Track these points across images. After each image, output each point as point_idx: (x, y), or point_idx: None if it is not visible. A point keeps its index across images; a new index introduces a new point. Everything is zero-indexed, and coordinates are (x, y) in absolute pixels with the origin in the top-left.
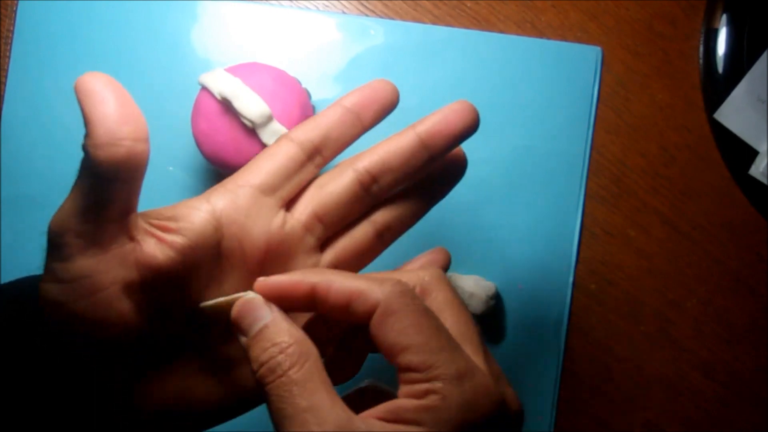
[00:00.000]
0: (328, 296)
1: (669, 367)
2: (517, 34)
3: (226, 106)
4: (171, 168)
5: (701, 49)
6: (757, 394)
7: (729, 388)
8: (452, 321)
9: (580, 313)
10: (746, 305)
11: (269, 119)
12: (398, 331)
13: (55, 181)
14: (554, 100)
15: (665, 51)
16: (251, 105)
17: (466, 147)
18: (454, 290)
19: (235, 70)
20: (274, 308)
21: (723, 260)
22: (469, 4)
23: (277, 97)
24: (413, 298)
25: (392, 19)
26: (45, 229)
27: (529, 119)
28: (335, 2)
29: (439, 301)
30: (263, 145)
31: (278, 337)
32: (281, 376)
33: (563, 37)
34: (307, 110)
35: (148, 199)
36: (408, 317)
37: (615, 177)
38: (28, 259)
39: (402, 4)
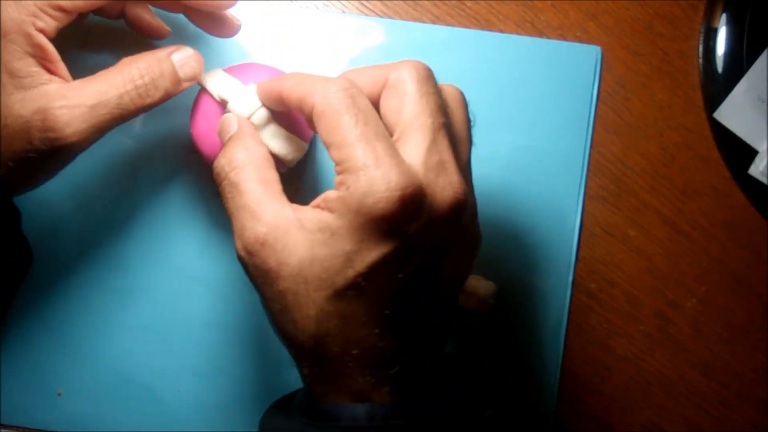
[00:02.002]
0: (289, 100)
1: (669, 366)
2: (517, 33)
3: (225, 106)
4: (170, 167)
5: (701, 48)
6: (757, 394)
7: (729, 388)
8: (406, 111)
9: (579, 313)
10: (746, 305)
11: (268, 120)
12: (325, 131)
13: (54, 181)
14: (554, 99)
15: (665, 51)
16: (249, 106)
17: None
18: (425, 76)
19: (234, 71)
20: (243, 124)
21: (723, 260)
22: (468, 3)
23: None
24: (345, 97)
25: (392, 18)
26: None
27: (529, 118)
28: (335, 2)
29: (401, 93)
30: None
31: (231, 148)
32: (223, 179)
33: (563, 37)
34: None
35: (149, 199)
36: (333, 117)
37: (615, 176)
38: None
39: (402, 3)
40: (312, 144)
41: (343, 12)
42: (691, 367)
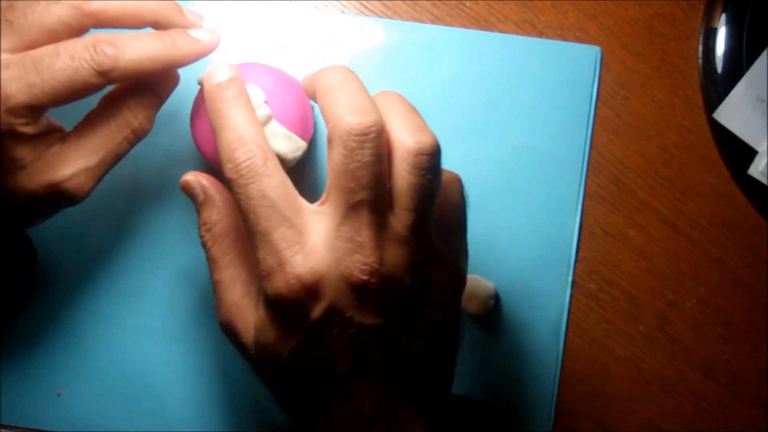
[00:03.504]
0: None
1: (668, 367)
2: (517, 33)
3: None
4: (170, 167)
5: (700, 48)
6: (757, 394)
7: (729, 388)
8: (330, 181)
9: (579, 313)
10: (746, 305)
11: (268, 119)
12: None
13: None
14: (553, 99)
15: (664, 51)
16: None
17: (466, 146)
18: (353, 147)
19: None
20: (207, 187)
21: (723, 260)
22: (468, 3)
23: (276, 97)
24: (238, 184)
25: (391, 18)
26: None
27: (528, 119)
28: (334, 2)
29: (329, 158)
30: None
31: (205, 214)
32: (207, 252)
33: (562, 37)
34: (306, 110)
35: (149, 199)
36: (245, 210)
37: (614, 177)
38: None
39: (401, 3)
40: (312, 143)
41: (343, 12)
42: (691, 367)
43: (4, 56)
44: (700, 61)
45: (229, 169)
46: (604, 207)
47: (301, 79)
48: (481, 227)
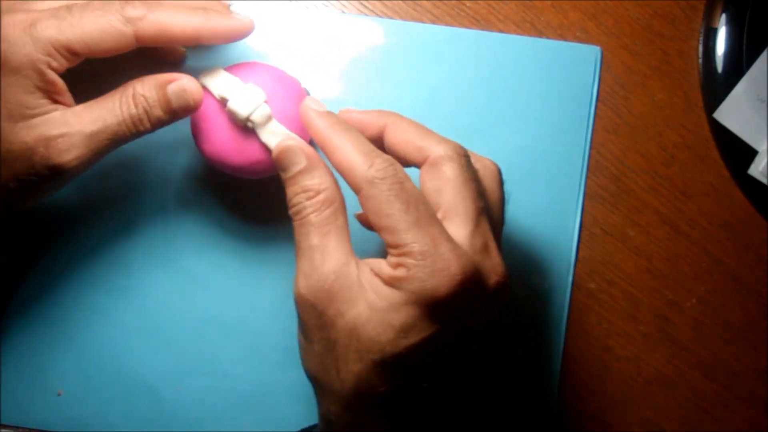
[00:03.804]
0: (333, 162)
1: (668, 367)
2: (517, 33)
3: (225, 105)
4: (171, 167)
5: (700, 48)
6: (757, 394)
7: (729, 388)
8: (449, 195)
9: (579, 313)
10: (746, 305)
11: (268, 119)
12: (375, 214)
13: None
14: (553, 99)
15: (665, 51)
16: (249, 105)
17: (466, 146)
18: (465, 163)
19: (235, 70)
20: (311, 154)
21: (723, 260)
22: (468, 3)
23: (276, 97)
24: (395, 183)
25: (391, 18)
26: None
27: (529, 119)
28: (335, 2)
29: (443, 175)
30: (263, 144)
31: (309, 182)
32: (304, 218)
33: (562, 37)
34: None
35: (150, 199)
36: (383, 203)
37: (614, 176)
38: None
39: (401, 3)
40: (313, 143)
41: (343, 12)
42: (691, 367)
43: (45, 3)
44: (701, 60)
45: (372, 171)
46: (604, 207)
47: (362, 116)
48: None
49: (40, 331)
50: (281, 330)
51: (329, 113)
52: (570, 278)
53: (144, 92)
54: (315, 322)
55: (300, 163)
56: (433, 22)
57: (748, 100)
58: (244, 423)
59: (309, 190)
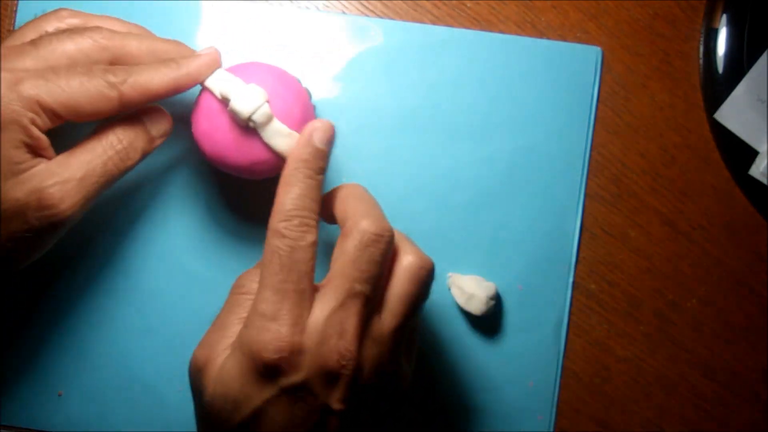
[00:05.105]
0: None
1: (669, 367)
2: (518, 34)
3: (227, 105)
4: (172, 167)
5: (701, 49)
6: (757, 394)
7: (729, 388)
8: (335, 266)
9: (579, 313)
10: (746, 305)
11: (269, 119)
12: (261, 262)
13: None
14: (554, 100)
15: (665, 51)
16: (251, 105)
17: (467, 147)
18: (368, 242)
19: (236, 70)
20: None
21: (723, 260)
22: (469, 4)
23: (277, 97)
24: (288, 241)
25: (392, 19)
26: None
27: (529, 119)
28: (335, 2)
29: (340, 245)
30: (264, 144)
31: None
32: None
33: (563, 38)
34: (308, 110)
35: (149, 198)
36: (268, 254)
37: (615, 177)
38: None
39: (402, 4)
40: None
41: (344, 13)
42: (691, 368)
43: (28, 63)
44: (701, 61)
45: (281, 225)
46: (605, 207)
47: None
48: (482, 227)
49: (40, 332)
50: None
51: (317, 152)
52: (570, 279)
53: (124, 128)
54: (195, 386)
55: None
56: (434, 23)
57: (748, 101)
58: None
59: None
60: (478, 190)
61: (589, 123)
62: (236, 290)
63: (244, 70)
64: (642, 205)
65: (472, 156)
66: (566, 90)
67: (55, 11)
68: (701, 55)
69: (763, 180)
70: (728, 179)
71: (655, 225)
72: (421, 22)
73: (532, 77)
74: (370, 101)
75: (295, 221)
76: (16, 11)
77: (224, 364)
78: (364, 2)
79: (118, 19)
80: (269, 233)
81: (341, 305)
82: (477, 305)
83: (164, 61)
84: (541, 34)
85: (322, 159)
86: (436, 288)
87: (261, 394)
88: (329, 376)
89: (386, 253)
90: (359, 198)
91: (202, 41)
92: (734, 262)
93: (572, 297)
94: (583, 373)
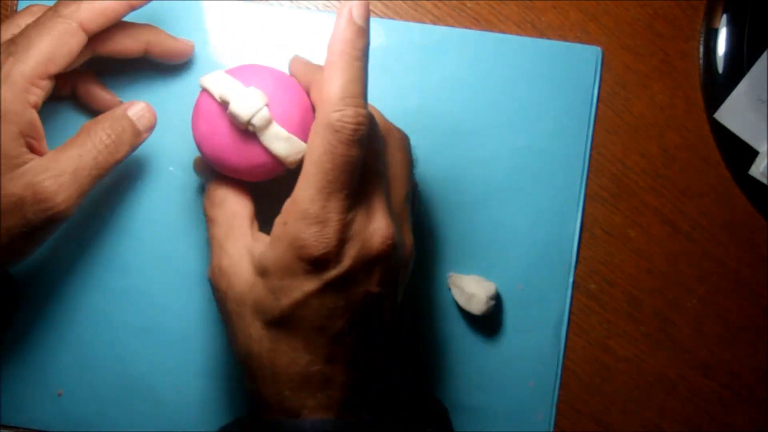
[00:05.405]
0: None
1: (669, 367)
2: (518, 34)
3: (226, 107)
4: (171, 168)
5: (701, 49)
6: (757, 394)
7: (729, 388)
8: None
9: (579, 313)
10: (746, 305)
11: (269, 122)
12: (308, 154)
13: None
14: (554, 100)
15: (665, 51)
16: (250, 108)
17: (467, 146)
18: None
19: (236, 72)
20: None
21: (723, 260)
22: (469, 4)
23: (277, 100)
24: (339, 137)
25: (392, 19)
26: None
27: (530, 119)
28: (335, 2)
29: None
30: (264, 148)
31: (211, 188)
32: (205, 214)
33: (563, 38)
34: (307, 112)
35: (149, 198)
36: (316, 148)
37: (615, 177)
38: None
39: (402, 4)
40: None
41: None
42: (691, 367)
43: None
44: (701, 61)
45: (334, 117)
46: (605, 207)
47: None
48: (482, 227)
49: (39, 332)
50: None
51: (361, 30)
52: (571, 279)
53: (111, 123)
54: (217, 301)
55: (207, 180)
56: (434, 23)
57: (748, 101)
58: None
59: (208, 194)
60: (478, 190)
61: (589, 123)
62: (210, 206)
63: (244, 73)
64: (642, 205)
65: (471, 156)
66: (567, 90)
67: (27, 7)
68: (701, 55)
69: (763, 180)
70: (728, 179)
71: (655, 225)
72: (422, 22)
73: (533, 77)
74: (370, 101)
75: (349, 111)
76: (15, 11)
77: (261, 257)
78: None
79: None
80: (318, 126)
81: (368, 190)
82: (477, 305)
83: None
84: (541, 34)
85: (364, 38)
86: (436, 288)
87: (303, 287)
88: (371, 262)
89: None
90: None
91: (202, 41)
92: (734, 262)
93: (572, 297)
94: (583, 373)
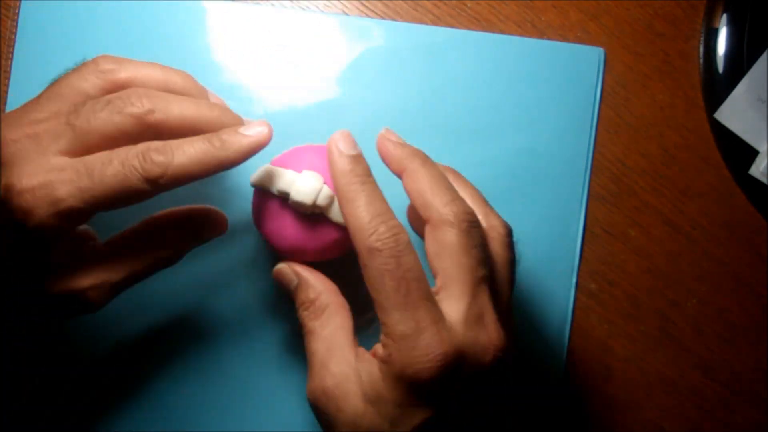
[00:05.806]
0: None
1: (669, 367)
2: (518, 34)
3: (287, 200)
4: None
5: (701, 49)
6: (757, 394)
7: (729, 388)
8: (447, 263)
9: (580, 313)
10: (746, 305)
11: (332, 198)
12: (369, 285)
13: None
14: (556, 100)
15: (665, 51)
16: (312, 192)
17: (468, 148)
18: (466, 228)
19: (281, 162)
20: (300, 270)
21: (723, 260)
22: (469, 4)
23: (328, 174)
24: (390, 257)
25: (393, 20)
26: None
27: (531, 120)
28: (336, 3)
29: (442, 240)
30: (334, 223)
31: (302, 295)
32: (305, 326)
33: (563, 37)
34: None
35: (150, 200)
36: (376, 279)
37: (615, 177)
38: None
39: (402, 4)
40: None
41: (344, 14)
42: (691, 367)
43: (61, 159)
44: (701, 61)
45: (372, 240)
46: (605, 207)
47: (384, 148)
48: None
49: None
50: (281, 330)
51: (354, 158)
52: (574, 279)
53: (180, 234)
54: (324, 422)
55: (293, 282)
56: (434, 23)
57: (748, 101)
58: (244, 423)
59: (304, 302)
60: (480, 191)
61: (591, 124)
62: (308, 317)
63: (290, 159)
64: (642, 204)
65: (473, 157)
66: (569, 91)
67: (93, 61)
68: (701, 55)
69: (763, 180)
70: (728, 179)
71: (656, 225)
72: (422, 22)
73: (535, 78)
74: (371, 102)
75: (382, 228)
76: (18, 12)
77: (374, 384)
78: (365, 3)
79: (156, 65)
80: (364, 256)
81: (473, 297)
82: None
83: (207, 136)
84: (541, 34)
85: (361, 162)
86: None
87: (424, 411)
88: (490, 368)
89: (482, 231)
90: (426, 176)
91: (203, 42)
92: (734, 262)
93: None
94: (583, 373)
